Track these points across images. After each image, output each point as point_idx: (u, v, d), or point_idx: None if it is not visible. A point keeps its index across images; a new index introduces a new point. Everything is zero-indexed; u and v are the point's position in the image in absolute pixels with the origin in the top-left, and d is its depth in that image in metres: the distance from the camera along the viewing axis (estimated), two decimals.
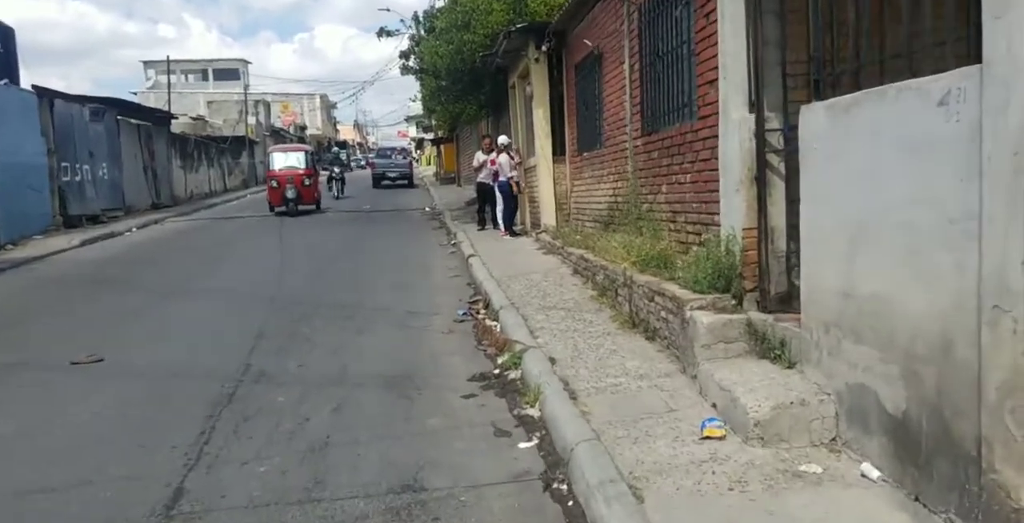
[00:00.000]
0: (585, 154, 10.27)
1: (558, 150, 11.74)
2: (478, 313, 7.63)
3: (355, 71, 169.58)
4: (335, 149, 27.03)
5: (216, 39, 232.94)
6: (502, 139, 12.75)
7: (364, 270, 10.77)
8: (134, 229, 18.27)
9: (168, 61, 33.49)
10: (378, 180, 32.34)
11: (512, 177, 12.50)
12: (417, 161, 56.85)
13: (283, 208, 19.81)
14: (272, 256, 12.46)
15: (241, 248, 14.26)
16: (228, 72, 60.08)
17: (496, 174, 13.18)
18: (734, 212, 4.96)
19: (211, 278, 10.58)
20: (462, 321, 7.30)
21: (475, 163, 14.34)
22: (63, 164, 17.43)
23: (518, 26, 11.40)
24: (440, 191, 28.69)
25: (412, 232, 15.81)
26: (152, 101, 45.85)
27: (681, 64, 6.34)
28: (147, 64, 60.84)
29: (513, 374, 5.31)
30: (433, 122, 30.60)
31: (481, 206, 14.41)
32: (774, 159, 4.63)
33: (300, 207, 19.99)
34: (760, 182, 4.67)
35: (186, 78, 62.82)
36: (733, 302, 4.90)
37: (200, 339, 6.88)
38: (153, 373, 5.80)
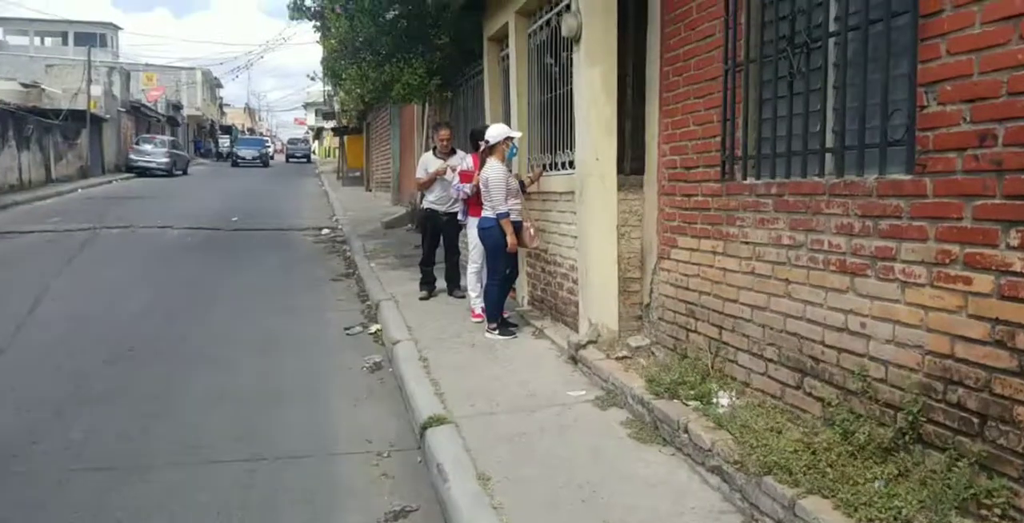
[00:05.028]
0: (772, 182, 3.86)
1: (628, 164, 5.28)
2: None
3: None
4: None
5: (105, 9, 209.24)
6: (495, 131, 5.99)
7: (159, 429, 4.03)
8: None
9: None
10: (289, 157, 53.29)
11: (509, 212, 5.89)
12: (314, 153, 58.62)
13: None
14: None
15: None
16: (93, 37, 50.39)
17: (470, 200, 6.60)
18: None
19: None
20: None
21: (421, 174, 7.66)
22: None
23: None
24: (343, 197, 21.64)
25: (292, 289, 8.87)
26: None
27: None
28: None
29: None
30: (337, 105, 23.37)
31: (428, 254, 7.74)
32: None
33: None
34: None
35: (42, 41, 53.35)
36: None
37: None
38: None
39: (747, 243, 3.99)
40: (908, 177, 2.90)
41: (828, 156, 3.40)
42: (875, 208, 3.07)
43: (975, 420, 2.65)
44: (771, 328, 3.80)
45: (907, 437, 2.89)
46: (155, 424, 4.57)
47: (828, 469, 2.94)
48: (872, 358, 3.12)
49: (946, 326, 2.75)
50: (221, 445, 4.27)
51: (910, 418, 2.87)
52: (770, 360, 3.81)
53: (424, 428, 4.19)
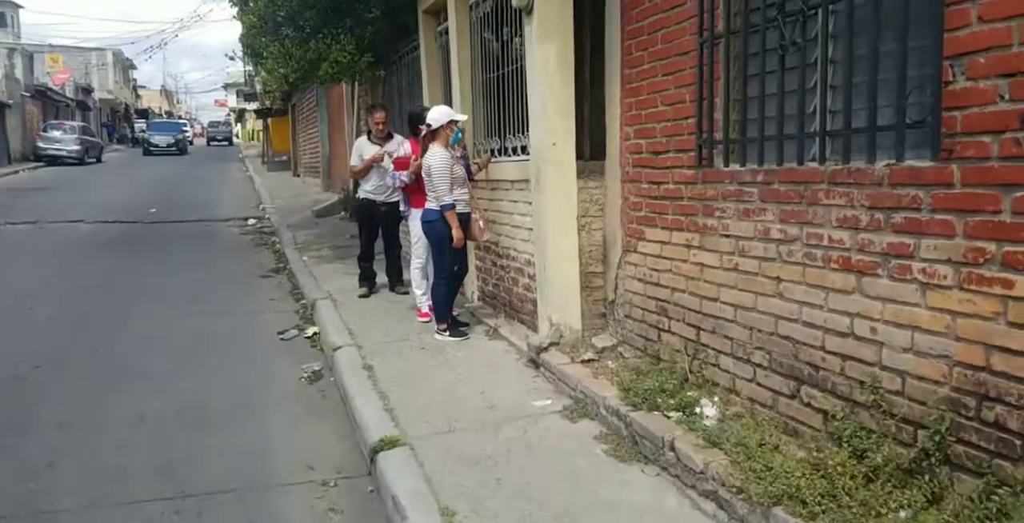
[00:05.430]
0: (759, 169, 3.47)
1: (587, 148, 4.86)
2: None
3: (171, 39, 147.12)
4: None
5: None
6: (438, 114, 5.41)
7: None
8: None
9: None
10: (210, 140, 51.65)
11: (455, 203, 5.41)
12: (237, 136, 56.41)
13: None
14: None
15: None
16: None
17: (412, 189, 6.08)
18: None
19: None
20: None
21: (355, 161, 7.07)
22: None
23: None
24: (270, 183, 20.68)
25: (217, 288, 8.19)
26: None
27: None
28: None
29: None
30: (259, 86, 22.28)
31: (367, 247, 7.19)
32: None
33: None
34: None
35: None
36: None
37: None
38: None
39: (728, 236, 3.62)
40: (929, 164, 2.55)
41: (827, 139, 3.03)
42: (886, 199, 2.71)
43: (1017, 442, 2.33)
44: (759, 330, 3.44)
45: (932, 458, 2.57)
46: (63, 458, 3.96)
47: (846, 497, 2.60)
48: (885, 367, 2.78)
49: (980, 334, 2.41)
50: (141, 479, 3.71)
51: (936, 437, 2.54)
52: (759, 365, 3.46)
53: (375, 452, 3.71)
